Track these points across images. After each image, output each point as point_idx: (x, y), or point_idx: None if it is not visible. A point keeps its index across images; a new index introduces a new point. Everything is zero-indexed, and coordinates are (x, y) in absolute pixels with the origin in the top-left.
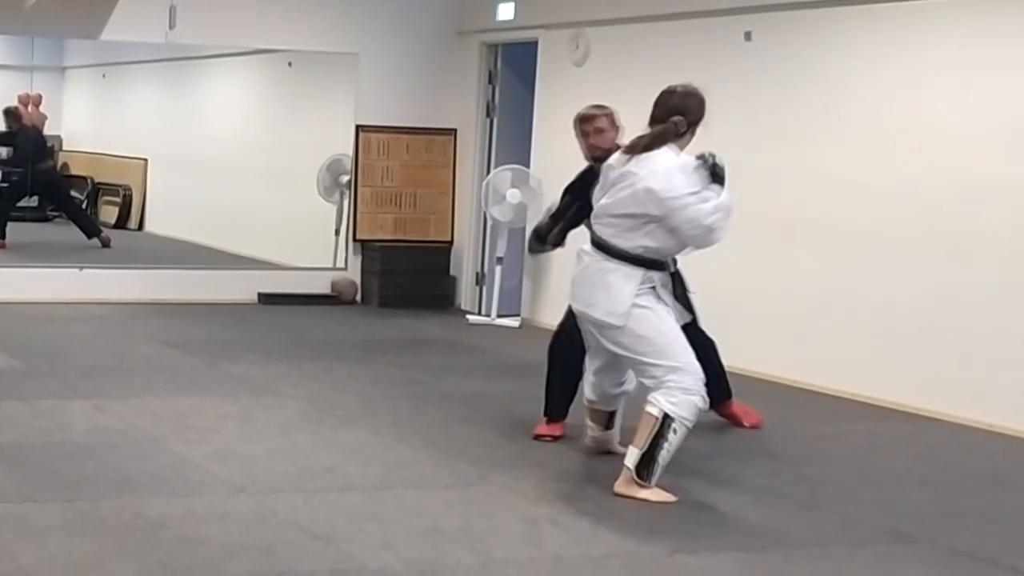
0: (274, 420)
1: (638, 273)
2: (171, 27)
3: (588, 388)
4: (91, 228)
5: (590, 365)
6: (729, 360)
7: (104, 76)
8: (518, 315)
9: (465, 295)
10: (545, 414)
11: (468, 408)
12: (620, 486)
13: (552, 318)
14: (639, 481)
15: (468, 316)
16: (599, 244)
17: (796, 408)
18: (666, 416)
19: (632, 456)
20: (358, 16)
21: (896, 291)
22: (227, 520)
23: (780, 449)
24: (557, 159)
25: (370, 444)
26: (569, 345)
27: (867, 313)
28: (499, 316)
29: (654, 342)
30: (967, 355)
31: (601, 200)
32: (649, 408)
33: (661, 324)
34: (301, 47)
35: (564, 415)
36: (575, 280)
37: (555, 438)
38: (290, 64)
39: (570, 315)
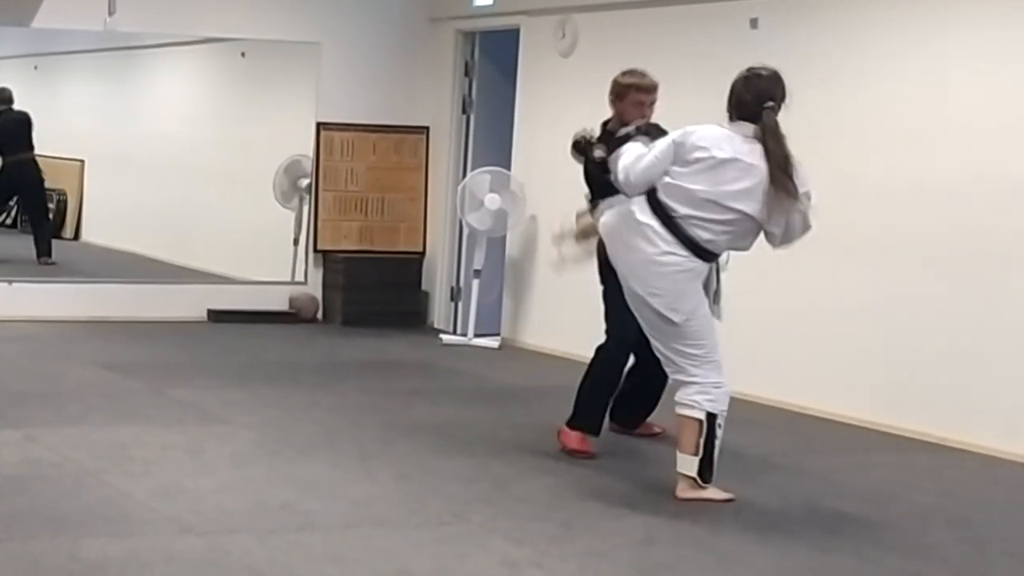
0: (225, 451)
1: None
2: (111, 13)
3: None
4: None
5: None
6: (733, 385)
7: (36, 68)
8: (497, 335)
9: (438, 312)
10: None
11: (442, 438)
12: (684, 491)
13: (536, 338)
14: (701, 484)
15: (442, 336)
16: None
17: (807, 438)
18: (709, 415)
19: (689, 464)
20: (319, 1)
21: (920, 306)
22: (173, 563)
23: (789, 483)
24: (541, 160)
25: (332, 478)
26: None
27: (887, 331)
28: (476, 336)
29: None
30: (999, 379)
31: (694, 183)
32: (690, 412)
33: None
34: (256, 35)
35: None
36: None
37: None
38: (243, 54)
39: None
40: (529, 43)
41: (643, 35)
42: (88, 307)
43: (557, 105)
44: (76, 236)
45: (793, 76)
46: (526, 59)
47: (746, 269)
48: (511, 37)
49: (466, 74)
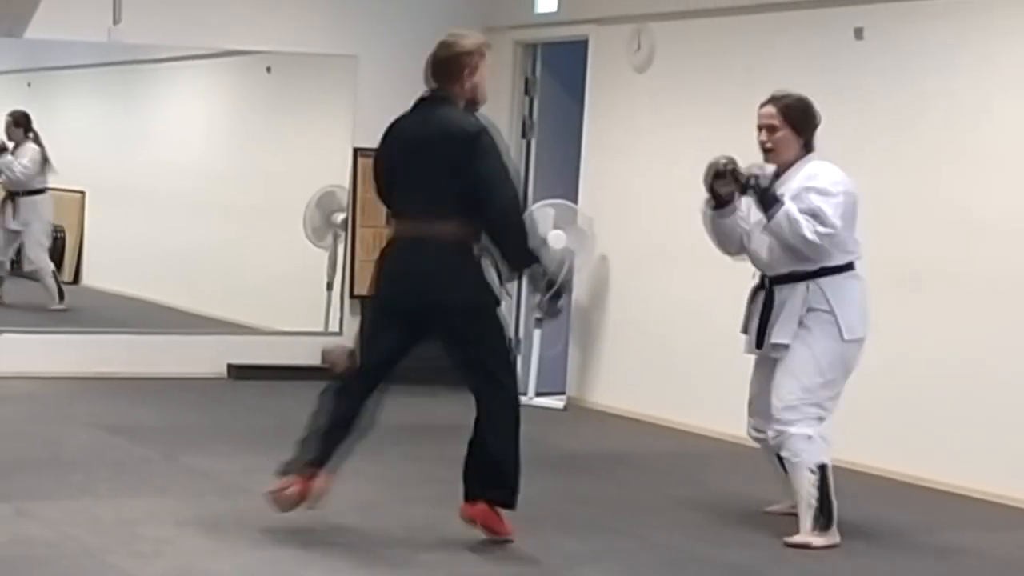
0: (249, 529)
1: None
2: (116, 22)
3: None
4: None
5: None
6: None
7: (29, 85)
8: (563, 393)
9: None
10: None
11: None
12: None
13: (606, 396)
14: None
15: None
16: None
17: (920, 513)
18: None
19: None
20: (357, 8)
21: None
22: None
23: (897, 566)
24: (613, 192)
25: (374, 560)
26: None
27: (1013, 389)
28: (538, 394)
29: None
30: None
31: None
32: None
33: None
34: (283, 47)
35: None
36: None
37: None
38: (269, 69)
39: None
40: (599, 56)
41: (729, 47)
42: (90, 361)
43: (631, 127)
44: (75, 279)
45: (904, 94)
46: (595, 74)
47: None
48: (578, 49)
49: (526, 92)
